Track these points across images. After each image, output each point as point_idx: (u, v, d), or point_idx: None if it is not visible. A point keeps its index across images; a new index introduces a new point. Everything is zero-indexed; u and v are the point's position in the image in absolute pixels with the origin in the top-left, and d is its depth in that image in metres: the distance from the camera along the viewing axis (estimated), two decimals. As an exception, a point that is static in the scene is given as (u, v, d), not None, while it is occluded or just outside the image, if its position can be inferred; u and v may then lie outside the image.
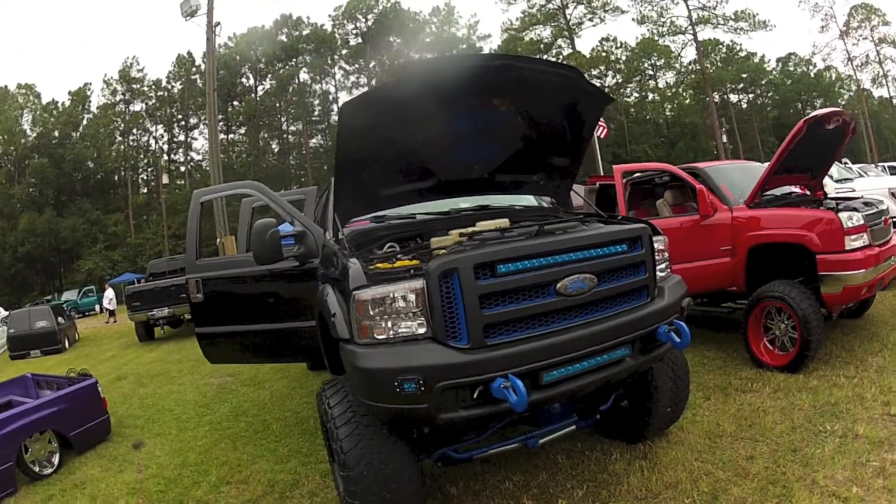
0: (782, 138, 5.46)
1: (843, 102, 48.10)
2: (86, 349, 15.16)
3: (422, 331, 2.46)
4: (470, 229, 2.93)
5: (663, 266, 3.13)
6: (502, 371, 2.37)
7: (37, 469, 4.92)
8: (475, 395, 2.43)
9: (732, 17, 45.06)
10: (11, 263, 42.13)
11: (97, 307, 29.01)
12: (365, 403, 2.63)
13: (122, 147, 48.71)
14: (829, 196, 5.94)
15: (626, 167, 6.34)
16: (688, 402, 4.20)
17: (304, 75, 51.63)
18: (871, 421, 3.60)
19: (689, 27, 45.91)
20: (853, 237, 4.54)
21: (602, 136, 16.68)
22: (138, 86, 48.87)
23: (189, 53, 48.47)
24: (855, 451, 3.27)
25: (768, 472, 3.19)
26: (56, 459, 5.13)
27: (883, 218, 4.98)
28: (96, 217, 44.37)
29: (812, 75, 50.01)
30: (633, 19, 48.77)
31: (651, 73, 49.77)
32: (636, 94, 50.74)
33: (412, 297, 2.44)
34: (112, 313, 22.98)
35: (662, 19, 46.93)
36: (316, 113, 51.15)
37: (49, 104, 47.66)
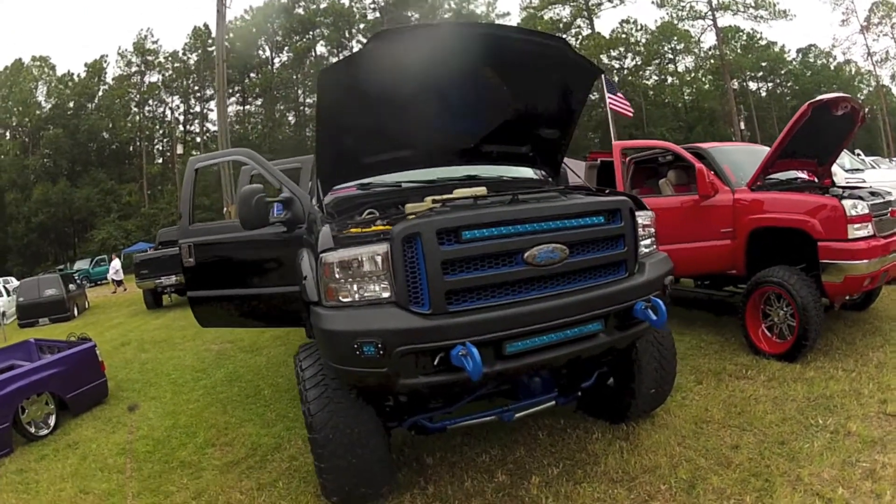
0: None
1: (862, 97, 47.68)
2: (94, 317, 15.36)
3: (386, 295, 2.45)
4: (445, 196, 2.89)
5: (648, 242, 3.04)
6: (462, 339, 2.33)
7: (33, 430, 5.02)
8: (436, 363, 2.41)
9: (752, 4, 44.40)
10: (25, 234, 42.63)
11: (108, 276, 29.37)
12: (331, 367, 2.63)
13: (138, 118, 48.91)
14: (836, 184, 5.76)
15: (626, 144, 6.23)
16: (678, 385, 4.14)
17: (321, 48, 51.38)
18: (866, 419, 3.48)
19: (709, 12, 45.33)
20: (857, 226, 4.40)
21: (628, 114, 16.10)
22: (153, 57, 48.93)
23: (205, 25, 48.33)
24: (845, 450, 3.13)
25: (752, 464, 3.09)
26: (52, 421, 5.22)
27: (890, 209, 4.81)
28: (111, 187, 44.55)
29: (832, 68, 49.22)
30: (652, 2, 47.79)
31: (671, 56, 49.17)
32: (655, 77, 50.15)
33: (377, 260, 2.44)
34: (119, 283, 23.17)
35: (682, 3, 46.32)
36: (333, 86, 50.92)
37: (64, 76, 47.78)
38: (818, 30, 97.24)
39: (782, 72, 49.60)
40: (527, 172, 3.84)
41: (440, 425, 3.12)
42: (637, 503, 2.88)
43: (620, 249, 2.80)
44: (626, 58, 48.91)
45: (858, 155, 10.32)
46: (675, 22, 47.04)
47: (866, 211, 4.44)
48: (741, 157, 5.59)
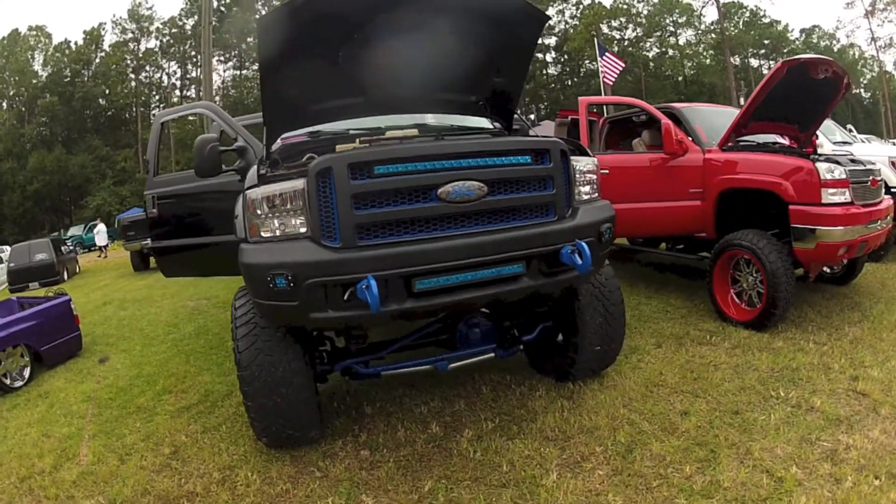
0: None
1: (864, 82, 47.73)
2: (83, 280, 15.44)
3: (303, 230, 2.46)
4: (373, 137, 2.88)
5: (587, 189, 2.94)
6: (366, 273, 2.31)
7: (8, 382, 5.15)
8: (346, 297, 2.40)
9: None
10: (20, 202, 42.64)
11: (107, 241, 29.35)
12: (254, 303, 2.67)
13: (133, 84, 48.61)
14: (818, 152, 5.62)
15: (591, 99, 6.07)
16: (635, 347, 4.14)
17: (319, 12, 50.75)
18: (833, 395, 3.23)
19: None
20: (832, 191, 4.18)
21: (607, 80, 15.67)
22: (147, 24, 48.63)
23: (202, -11, 47.55)
24: (805, 426, 2.91)
25: (699, 432, 2.93)
26: (27, 373, 5.37)
27: (870, 178, 4.58)
28: (106, 153, 44.25)
29: (835, 50, 48.28)
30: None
31: (672, 29, 48.59)
32: (656, 50, 49.69)
33: (295, 196, 2.45)
34: (103, 248, 23.18)
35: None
36: (331, 52, 50.60)
37: (61, 44, 47.38)
38: (823, 10, 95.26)
39: (785, 50, 48.67)
40: (481, 123, 3.74)
41: (373, 371, 3.14)
42: (568, 463, 2.80)
43: (548, 191, 2.71)
44: (627, 28, 48.52)
45: (850, 130, 10.15)
46: (677, -7, 46.36)
47: (843, 176, 4.22)
48: (716, 118, 5.40)
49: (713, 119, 5.38)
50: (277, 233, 2.47)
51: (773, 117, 4.98)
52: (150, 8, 49.16)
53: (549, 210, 2.72)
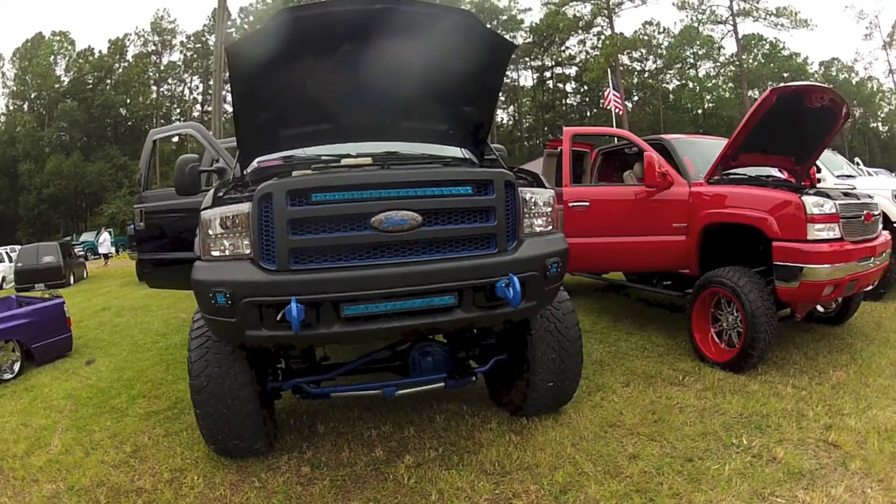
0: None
1: (882, 115, 47.47)
2: (88, 285, 15.69)
3: (247, 252, 2.57)
4: (329, 165, 2.99)
5: (540, 221, 2.91)
6: (294, 295, 2.39)
7: None
8: (279, 318, 2.48)
9: (774, 12, 43.10)
10: (35, 204, 43.54)
11: (112, 249, 29.90)
12: (202, 317, 2.83)
13: (154, 96, 49.63)
14: (815, 187, 5.32)
15: (576, 130, 5.96)
16: (602, 384, 4.07)
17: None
18: (801, 445, 3.02)
19: (730, 18, 44.33)
20: (819, 226, 3.98)
21: (619, 112, 16.19)
22: (170, 37, 49.86)
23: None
24: (761, 479, 2.70)
25: (642, 478, 2.77)
26: (17, 367, 5.64)
27: (865, 212, 4.37)
28: (123, 163, 44.74)
29: (854, 83, 48.42)
30: (673, 4, 46.83)
31: (692, 61, 48.62)
32: (676, 82, 49.75)
33: (241, 219, 2.57)
34: (106, 256, 23.58)
35: (703, 6, 45.47)
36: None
37: (85, 51, 48.48)
38: (842, 42, 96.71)
39: (804, 83, 49.18)
40: (453, 152, 3.75)
41: (322, 391, 3.21)
42: (498, 499, 2.73)
43: (489, 223, 2.68)
44: (647, 59, 48.78)
45: (858, 164, 9.98)
46: (697, 26, 46.43)
47: (833, 211, 4.00)
48: (711, 150, 5.13)
49: (707, 151, 5.16)
50: (226, 252, 2.59)
51: (766, 149, 4.81)
52: (173, 21, 50.10)
53: (490, 242, 2.70)
